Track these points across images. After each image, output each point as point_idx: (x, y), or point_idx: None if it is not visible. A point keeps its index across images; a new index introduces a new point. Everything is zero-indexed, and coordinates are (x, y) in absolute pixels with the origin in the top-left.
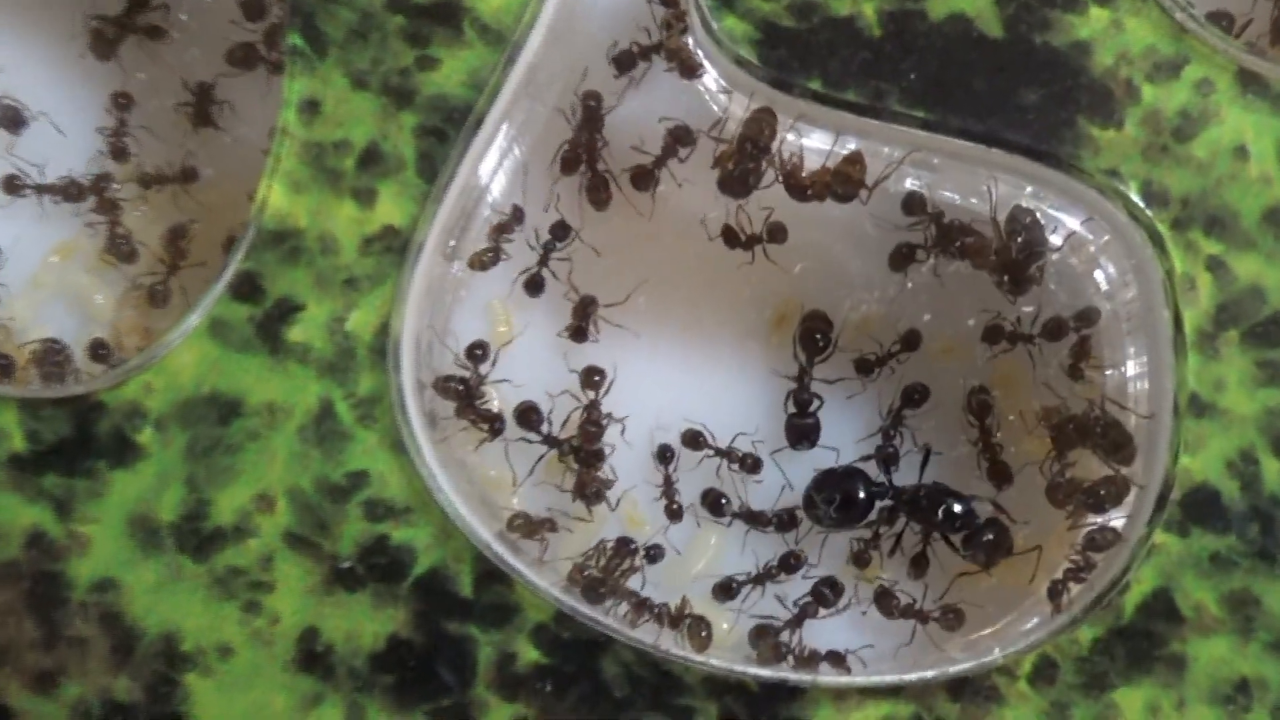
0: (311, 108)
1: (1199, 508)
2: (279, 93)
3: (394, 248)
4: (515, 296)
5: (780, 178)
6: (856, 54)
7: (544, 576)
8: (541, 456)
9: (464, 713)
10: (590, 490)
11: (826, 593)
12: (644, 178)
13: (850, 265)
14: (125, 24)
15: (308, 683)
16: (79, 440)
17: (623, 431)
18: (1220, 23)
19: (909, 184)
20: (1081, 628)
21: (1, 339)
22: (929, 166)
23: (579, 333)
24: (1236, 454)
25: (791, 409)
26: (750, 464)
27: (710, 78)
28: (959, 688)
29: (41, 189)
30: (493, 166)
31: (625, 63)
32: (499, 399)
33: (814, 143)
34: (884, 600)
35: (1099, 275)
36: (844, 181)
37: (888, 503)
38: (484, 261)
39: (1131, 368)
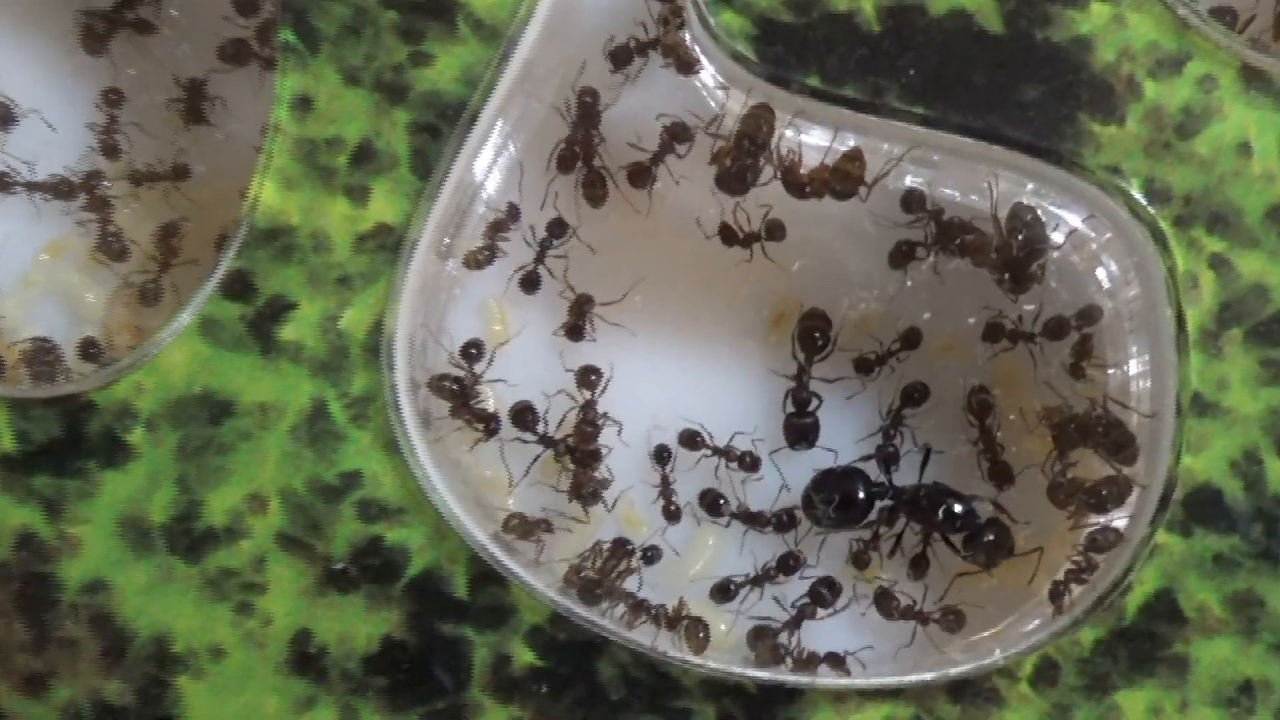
0: (304, 104)
1: (1202, 508)
2: (271, 89)
3: (387, 245)
4: (511, 295)
5: (778, 175)
6: (855, 50)
7: (540, 578)
8: (537, 457)
9: (458, 715)
10: (586, 491)
11: (824, 593)
12: (641, 175)
13: (849, 263)
14: (115, 19)
15: (300, 685)
16: (69, 440)
17: (619, 431)
18: (1223, 18)
19: (908, 181)
20: (1083, 629)
21: None
22: (929, 163)
23: (575, 331)
24: (1240, 453)
25: (790, 408)
26: (749, 462)
27: (707, 74)
28: (959, 690)
29: (32, 186)
30: (487, 163)
31: (622, 58)
32: (494, 398)
33: (812, 139)
34: (883, 601)
35: (1101, 273)
36: (843, 178)
37: (887, 503)
38: (479, 260)
39: (1134, 366)
